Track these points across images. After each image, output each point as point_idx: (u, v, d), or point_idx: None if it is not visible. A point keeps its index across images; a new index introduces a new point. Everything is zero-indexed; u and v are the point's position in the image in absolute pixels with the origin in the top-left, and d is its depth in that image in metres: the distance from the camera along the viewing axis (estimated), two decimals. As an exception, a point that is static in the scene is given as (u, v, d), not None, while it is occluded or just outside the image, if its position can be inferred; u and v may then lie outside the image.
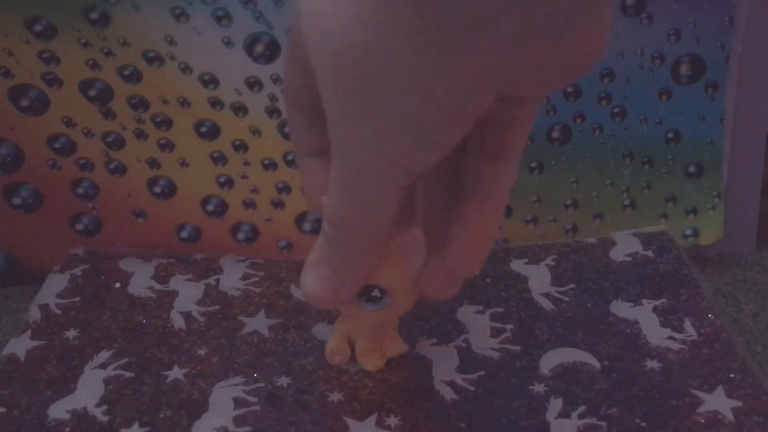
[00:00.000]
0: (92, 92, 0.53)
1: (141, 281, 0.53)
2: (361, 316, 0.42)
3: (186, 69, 0.52)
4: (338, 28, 0.30)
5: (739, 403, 0.43)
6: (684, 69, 0.54)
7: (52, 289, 0.52)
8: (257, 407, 0.43)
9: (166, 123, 0.54)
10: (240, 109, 0.53)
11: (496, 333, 0.48)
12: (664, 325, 0.48)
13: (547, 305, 0.50)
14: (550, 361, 0.46)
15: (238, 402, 0.44)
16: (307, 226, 0.56)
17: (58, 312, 0.50)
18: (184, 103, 0.53)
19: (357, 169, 0.33)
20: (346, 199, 0.35)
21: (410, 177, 0.33)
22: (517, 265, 0.54)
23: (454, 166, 0.37)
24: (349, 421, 0.42)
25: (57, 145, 0.54)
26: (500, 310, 0.50)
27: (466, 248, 0.37)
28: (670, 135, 0.56)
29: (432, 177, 0.38)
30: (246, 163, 0.55)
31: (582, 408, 0.43)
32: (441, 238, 0.38)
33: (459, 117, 0.31)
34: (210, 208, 0.56)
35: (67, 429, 0.42)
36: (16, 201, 0.55)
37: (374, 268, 0.39)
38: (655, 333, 0.48)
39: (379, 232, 0.36)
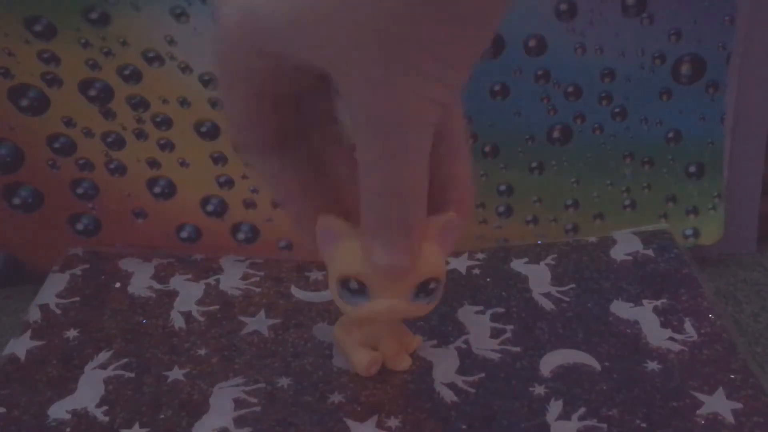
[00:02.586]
0: (92, 92, 0.53)
1: (141, 281, 0.53)
2: (361, 315, 0.42)
3: (186, 69, 0.52)
4: None
5: (739, 405, 0.42)
6: (684, 69, 0.54)
7: (52, 289, 0.52)
8: (257, 408, 0.43)
9: (166, 123, 0.54)
10: (240, 109, 0.53)
11: (496, 334, 0.48)
12: (664, 325, 0.48)
13: (548, 305, 0.50)
14: (551, 362, 0.46)
15: (238, 403, 0.44)
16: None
17: (58, 312, 0.50)
18: (184, 103, 0.53)
19: (393, 127, 0.33)
20: (390, 164, 0.35)
21: (442, 105, 0.34)
22: (518, 265, 0.54)
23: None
24: (350, 422, 0.42)
25: (57, 145, 0.54)
26: (500, 310, 0.50)
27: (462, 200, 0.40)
28: (671, 135, 0.56)
29: None
30: (246, 163, 0.55)
31: (582, 409, 0.43)
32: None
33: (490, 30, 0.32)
34: (210, 208, 0.56)
35: (68, 429, 0.42)
36: (16, 201, 0.55)
37: (433, 259, 0.39)
38: (656, 334, 0.48)
39: (426, 177, 0.36)
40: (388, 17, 0.30)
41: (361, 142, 0.35)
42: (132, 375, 0.46)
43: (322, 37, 0.32)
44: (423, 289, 0.40)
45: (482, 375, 0.45)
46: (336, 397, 0.44)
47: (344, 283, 0.40)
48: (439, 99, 0.33)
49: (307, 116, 0.39)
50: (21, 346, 0.48)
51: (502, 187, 0.56)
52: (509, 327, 0.48)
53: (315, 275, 0.53)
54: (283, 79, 0.35)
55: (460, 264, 0.54)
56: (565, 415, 0.42)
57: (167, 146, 0.54)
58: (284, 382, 0.45)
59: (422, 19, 0.31)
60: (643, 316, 0.49)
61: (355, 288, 0.40)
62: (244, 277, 0.53)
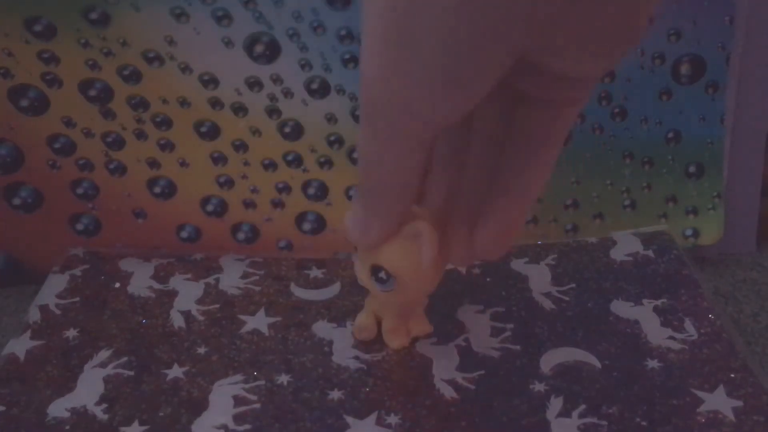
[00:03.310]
0: (92, 92, 0.53)
1: (141, 281, 0.53)
2: (366, 285, 0.43)
3: (186, 69, 0.52)
4: None
5: (739, 403, 0.43)
6: (684, 69, 0.54)
7: (52, 289, 0.52)
8: (257, 405, 0.43)
9: (166, 123, 0.54)
10: (240, 109, 0.53)
11: (496, 332, 0.48)
12: (664, 324, 0.48)
13: (548, 305, 0.50)
14: (551, 360, 0.46)
15: (237, 400, 0.44)
16: (307, 226, 0.56)
17: (58, 312, 0.50)
18: (184, 103, 0.53)
19: (383, 121, 0.33)
20: (372, 149, 0.35)
21: (430, 131, 0.33)
22: (518, 265, 0.54)
23: (485, 155, 0.38)
24: (349, 419, 0.42)
25: (57, 145, 0.54)
26: (500, 309, 0.50)
27: (493, 236, 0.39)
28: (671, 135, 0.56)
29: (461, 162, 0.40)
30: (246, 163, 0.55)
31: (582, 407, 0.43)
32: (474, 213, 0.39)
33: (479, 69, 0.31)
34: (210, 208, 0.56)
35: (67, 427, 0.42)
36: (16, 201, 0.55)
37: (385, 251, 0.40)
38: (656, 333, 0.48)
39: (403, 183, 0.36)
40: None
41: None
42: (131, 373, 0.46)
43: None
44: (374, 273, 0.41)
45: (482, 372, 0.45)
46: (336, 394, 0.44)
47: (374, 272, 0.42)
48: (425, 117, 0.33)
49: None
50: (21, 346, 0.48)
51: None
52: (509, 326, 0.48)
53: (315, 273, 0.53)
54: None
55: (460, 263, 0.54)
56: (565, 413, 0.42)
57: (167, 146, 0.54)
58: (284, 379, 0.45)
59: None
60: (643, 316, 0.49)
61: None
62: (244, 276, 0.53)
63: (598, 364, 0.45)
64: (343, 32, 0.52)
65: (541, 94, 0.34)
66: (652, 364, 0.45)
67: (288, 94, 0.53)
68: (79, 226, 0.56)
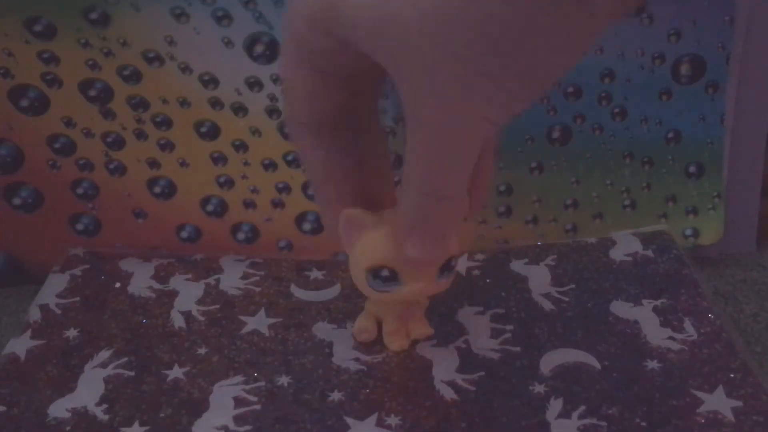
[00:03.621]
0: (92, 92, 0.53)
1: (141, 281, 0.53)
2: (394, 299, 0.43)
3: (186, 69, 0.52)
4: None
5: (739, 403, 0.43)
6: (684, 69, 0.54)
7: (52, 289, 0.52)
8: (257, 406, 0.43)
9: (166, 123, 0.54)
10: (240, 109, 0.53)
11: (496, 334, 0.48)
12: (664, 325, 0.48)
13: (547, 305, 0.50)
14: (551, 361, 0.46)
15: (238, 401, 0.44)
16: (307, 226, 0.56)
17: (58, 312, 0.50)
18: (184, 103, 0.53)
19: (452, 138, 0.35)
20: (442, 169, 0.36)
21: (492, 131, 0.35)
22: (517, 266, 0.54)
23: None
24: (349, 420, 0.42)
25: (57, 145, 0.54)
26: (500, 311, 0.50)
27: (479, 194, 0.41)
28: (671, 135, 0.56)
29: None
30: (246, 163, 0.55)
31: (582, 408, 0.43)
32: None
33: (560, 70, 0.33)
34: (210, 208, 0.56)
35: (68, 428, 0.42)
36: (16, 201, 0.55)
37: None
38: (655, 333, 0.48)
39: (463, 184, 0.38)
40: (476, 47, 0.32)
41: (413, 140, 0.36)
42: (132, 374, 0.46)
43: (399, 47, 0.33)
44: (446, 268, 0.42)
45: (482, 373, 0.45)
46: (336, 396, 0.44)
47: (376, 271, 0.42)
48: (497, 121, 0.35)
49: (358, 98, 0.40)
50: (21, 345, 0.48)
51: (502, 187, 0.56)
52: (509, 327, 0.48)
53: (315, 274, 0.53)
54: (345, 59, 0.37)
55: (460, 265, 0.54)
56: (565, 414, 0.42)
57: (167, 146, 0.54)
58: (284, 380, 0.45)
59: (508, 54, 0.32)
60: (643, 316, 0.49)
61: (386, 275, 0.42)
62: (244, 277, 0.53)
63: (598, 365, 0.45)
64: (343, 32, 0.52)
65: None
66: (652, 364, 0.45)
67: (288, 94, 0.53)
68: (79, 226, 0.56)
